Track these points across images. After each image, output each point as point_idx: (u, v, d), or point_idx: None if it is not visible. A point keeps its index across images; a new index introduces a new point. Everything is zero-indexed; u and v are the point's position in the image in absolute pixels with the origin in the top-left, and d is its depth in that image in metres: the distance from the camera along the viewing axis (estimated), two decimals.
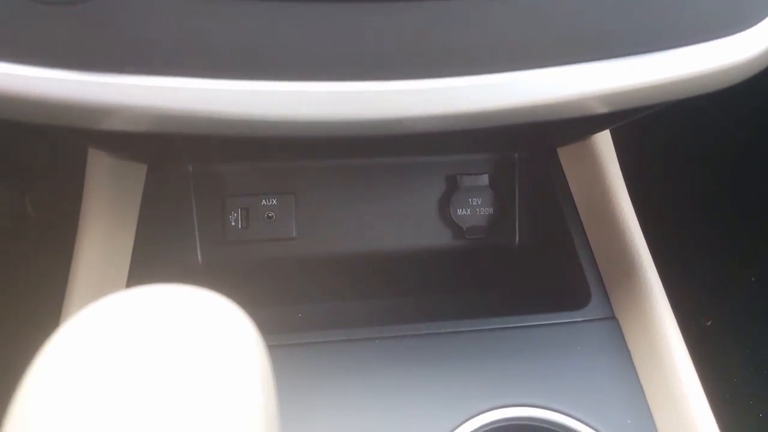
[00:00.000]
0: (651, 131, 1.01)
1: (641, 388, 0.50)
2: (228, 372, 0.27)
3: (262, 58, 0.32)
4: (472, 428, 0.48)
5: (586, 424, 0.47)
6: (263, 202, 0.71)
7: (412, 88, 0.34)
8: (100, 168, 0.59)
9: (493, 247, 0.72)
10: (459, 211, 0.72)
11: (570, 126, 0.49)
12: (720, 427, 0.46)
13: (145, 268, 0.61)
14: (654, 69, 0.36)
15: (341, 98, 0.33)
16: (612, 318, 0.54)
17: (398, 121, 0.34)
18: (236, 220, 0.71)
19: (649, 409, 0.49)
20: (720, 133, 1.19)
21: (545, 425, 0.48)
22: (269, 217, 0.71)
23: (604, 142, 0.65)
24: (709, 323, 1.17)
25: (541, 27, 0.34)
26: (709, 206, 1.20)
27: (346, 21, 0.32)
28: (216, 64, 0.32)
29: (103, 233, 0.56)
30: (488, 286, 0.68)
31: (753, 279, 1.20)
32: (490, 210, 0.72)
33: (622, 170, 0.64)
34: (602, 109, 0.38)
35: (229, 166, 0.71)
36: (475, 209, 0.72)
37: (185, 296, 0.29)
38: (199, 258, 0.71)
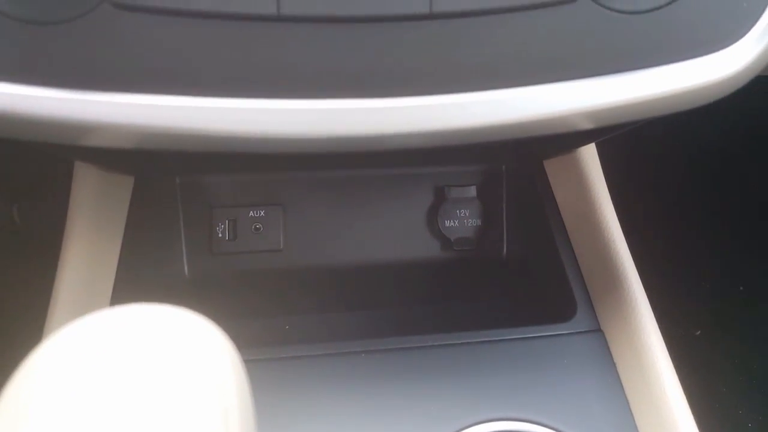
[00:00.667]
0: (636, 143, 1.02)
1: (626, 400, 0.50)
2: (202, 391, 0.27)
3: (247, 77, 0.32)
4: None
5: None
6: (251, 213, 0.71)
7: (401, 105, 0.34)
8: (86, 179, 0.59)
9: (481, 258, 0.72)
10: (447, 223, 0.72)
11: (555, 140, 0.49)
12: None
13: (131, 280, 0.60)
14: (635, 86, 0.36)
15: (330, 115, 0.33)
16: (598, 330, 0.54)
17: (388, 137, 0.34)
18: (223, 232, 0.70)
19: (634, 421, 0.49)
20: (705, 144, 1.20)
21: None
22: (257, 229, 0.71)
23: (589, 154, 0.66)
24: (698, 333, 1.18)
25: (524, 46, 0.34)
26: (695, 217, 1.22)
27: (331, 41, 0.32)
28: (202, 82, 0.32)
29: (89, 244, 0.56)
30: (475, 298, 0.68)
31: (741, 288, 1.22)
32: (478, 221, 0.72)
33: (607, 181, 0.65)
34: (586, 126, 0.38)
35: (217, 177, 0.70)
36: (462, 221, 0.72)
37: (163, 316, 0.29)
38: (186, 270, 0.70)
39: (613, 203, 0.61)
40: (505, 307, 0.65)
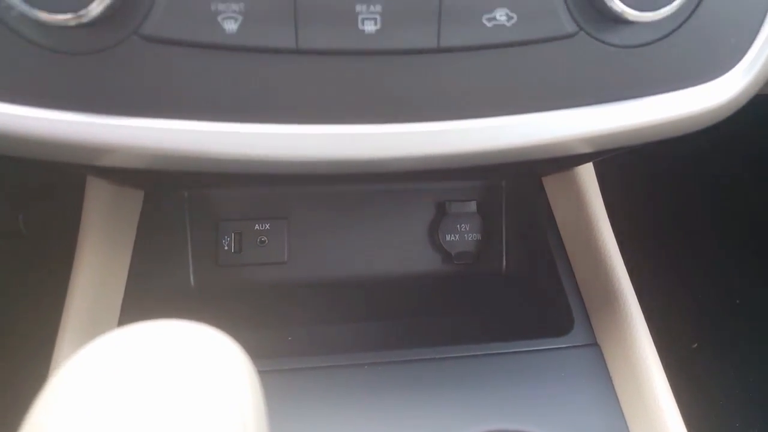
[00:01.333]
0: (633, 159, 1.05)
1: (622, 413, 0.52)
2: (221, 404, 0.28)
3: (265, 104, 0.34)
4: None
5: None
6: (256, 226, 0.73)
7: (410, 131, 0.36)
8: (98, 193, 0.61)
9: (481, 272, 0.74)
10: (448, 237, 0.74)
11: (554, 161, 0.51)
12: None
13: (140, 290, 0.62)
14: (630, 114, 0.38)
15: (344, 139, 0.35)
16: (594, 345, 0.55)
17: (398, 160, 0.37)
18: (229, 245, 0.72)
19: None
20: (701, 158, 1.23)
21: None
22: (262, 242, 0.73)
23: (586, 171, 0.68)
24: (695, 346, 1.20)
25: (525, 77, 0.36)
26: (691, 230, 1.23)
27: (345, 72, 0.34)
28: (224, 108, 0.34)
29: (101, 255, 0.58)
30: (475, 312, 0.70)
31: (737, 302, 1.23)
32: (478, 236, 0.74)
33: (604, 195, 0.67)
34: (583, 150, 0.40)
35: (224, 191, 0.72)
36: (463, 235, 0.74)
37: (180, 332, 0.30)
38: (192, 281, 0.72)
39: (610, 217, 0.63)
40: (504, 321, 0.66)
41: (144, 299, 0.61)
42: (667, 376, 0.53)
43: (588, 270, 0.62)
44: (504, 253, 0.75)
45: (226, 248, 0.72)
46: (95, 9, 0.30)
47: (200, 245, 0.72)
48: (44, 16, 0.30)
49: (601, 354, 0.54)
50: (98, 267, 0.56)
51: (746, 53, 0.38)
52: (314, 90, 0.34)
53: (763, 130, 1.05)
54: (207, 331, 0.32)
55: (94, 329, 0.53)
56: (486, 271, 0.74)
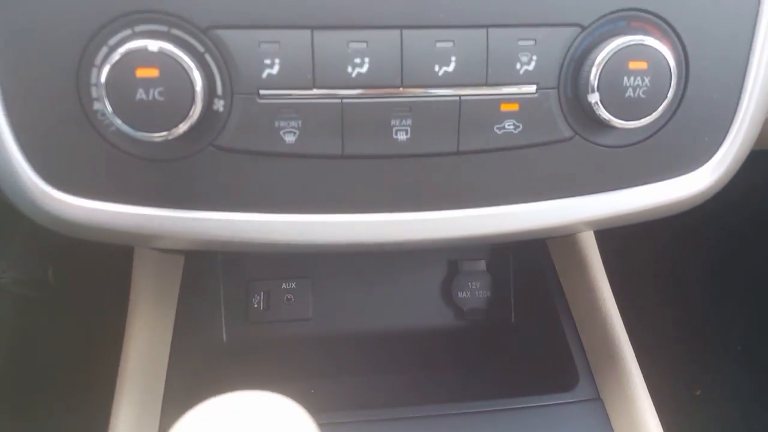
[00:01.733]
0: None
1: None
2: None
3: (317, 199, 0.42)
4: None
5: None
6: (283, 285, 0.79)
7: (435, 218, 0.44)
8: (145, 259, 0.68)
9: (490, 328, 0.79)
10: (459, 294, 0.80)
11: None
12: None
13: (182, 347, 0.68)
14: (621, 201, 0.46)
15: (381, 225, 0.42)
16: (597, 399, 0.61)
17: (425, 241, 0.43)
18: (258, 303, 0.78)
19: None
20: (701, 210, 1.28)
21: None
22: (288, 300, 0.79)
23: (587, 235, 0.74)
24: (698, 392, 1.23)
25: (532, 172, 0.43)
26: (691, 279, 1.28)
27: (382, 171, 0.41)
28: (282, 203, 0.41)
29: (151, 315, 0.64)
30: (485, 366, 0.75)
31: (739, 348, 1.27)
32: (488, 293, 0.80)
33: (604, 247, 0.72)
34: (582, 230, 0.47)
35: (254, 254, 0.79)
36: (474, 292, 0.80)
37: (264, 403, 0.36)
38: (224, 337, 0.78)
39: (612, 267, 0.69)
40: (512, 376, 0.71)
41: (186, 354, 0.67)
42: (671, 422, 0.57)
43: (589, 327, 0.68)
44: (512, 310, 0.80)
45: (255, 306, 0.78)
46: (182, 128, 0.38)
47: (232, 303, 0.78)
48: (141, 135, 0.38)
49: (604, 408, 0.59)
50: (150, 325, 0.63)
51: (718, 150, 0.46)
52: (358, 186, 0.42)
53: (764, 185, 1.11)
54: (281, 399, 0.37)
55: (146, 384, 0.59)
56: (495, 326, 0.80)
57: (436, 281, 0.81)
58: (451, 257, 0.81)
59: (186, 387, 0.64)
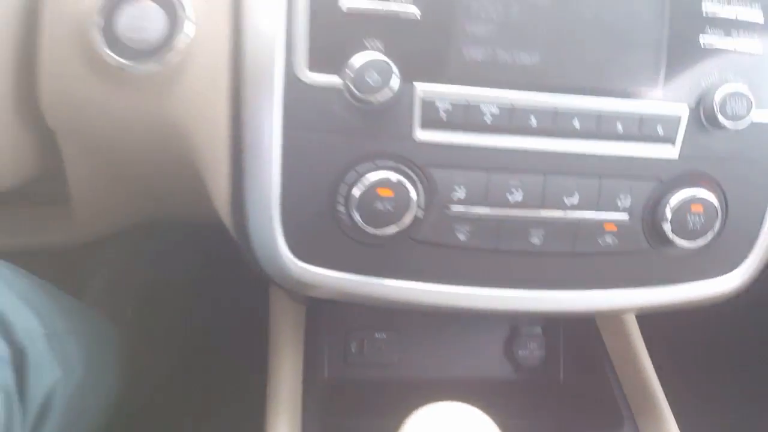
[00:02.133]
0: None
1: None
2: None
3: (471, 276, 0.61)
4: None
5: None
6: (376, 335, 0.96)
7: (543, 297, 0.63)
8: (282, 308, 0.86)
9: (544, 382, 0.97)
10: (520, 352, 0.98)
11: None
12: None
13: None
14: (672, 294, 0.65)
15: (514, 299, 0.62)
16: None
17: (538, 312, 0.63)
18: (355, 348, 0.96)
19: None
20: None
21: None
22: (379, 348, 0.96)
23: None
24: None
25: (617, 269, 0.63)
26: (729, 360, 1.33)
27: (518, 262, 0.61)
28: (451, 277, 0.61)
29: (290, 357, 0.81)
30: (540, 413, 0.92)
31: None
32: (543, 352, 0.98)
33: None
34: (635, 313, 0.66)
35: (354, 307, 0.97)
36: (531, 351, 0.98)
37: (463, 413, 0.53)
38: (326, 374, 0.95)
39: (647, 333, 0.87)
40: (562, 424, 0.88)
41: (312, 385, 0.84)
42: None
43: (630, 385, 0.86)
44: (561, 368, 0.98)
45: (352, 351, 0.96)
46: (397, 227, 0.57)
47: (333, 347, 0.95)
48: (370, 229, 0.57)
49: None
50: (291, 366, 0.80)
51: (745, 260, 0.66)
52: (501, 270, 0.61)
53: None
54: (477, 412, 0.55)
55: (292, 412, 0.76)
56: (548, 380, 0.97)
57: (500, 340, 0.99)
58: (512, 322, 0.99)
59: (315, 409, 0.81)
